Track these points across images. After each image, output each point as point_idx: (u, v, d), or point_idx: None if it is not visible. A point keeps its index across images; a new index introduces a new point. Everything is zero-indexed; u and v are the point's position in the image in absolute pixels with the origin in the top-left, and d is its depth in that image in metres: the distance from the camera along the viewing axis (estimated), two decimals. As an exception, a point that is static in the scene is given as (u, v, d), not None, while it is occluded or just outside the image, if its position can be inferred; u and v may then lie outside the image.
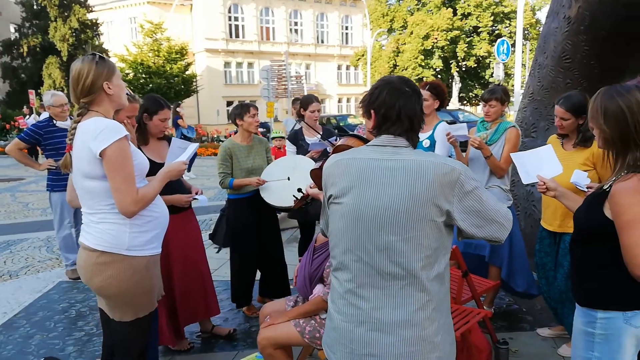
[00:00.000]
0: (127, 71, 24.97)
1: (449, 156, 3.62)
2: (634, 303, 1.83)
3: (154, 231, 2.20)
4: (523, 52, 25.07)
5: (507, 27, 31.76)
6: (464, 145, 3.74)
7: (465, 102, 34.76)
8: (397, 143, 1.59)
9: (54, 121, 4.86)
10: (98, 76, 2.06)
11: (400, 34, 32.97)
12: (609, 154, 1.90)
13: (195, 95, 30.44)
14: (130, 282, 2.11)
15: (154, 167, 2.56)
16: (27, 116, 17.25)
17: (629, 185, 1.74)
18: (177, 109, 12.53)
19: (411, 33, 31.28)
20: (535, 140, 4.67)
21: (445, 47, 30.93)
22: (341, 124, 20.44)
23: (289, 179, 3.71)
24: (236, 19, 37.47)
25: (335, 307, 1.63)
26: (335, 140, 3.46)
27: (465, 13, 31.69)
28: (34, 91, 21.39)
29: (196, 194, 3.32)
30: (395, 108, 1.59)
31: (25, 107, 20.15)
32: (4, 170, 14.34)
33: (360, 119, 21.54)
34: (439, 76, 30.70)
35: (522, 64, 21.76)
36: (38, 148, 5.90)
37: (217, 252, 5.32)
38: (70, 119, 4.97)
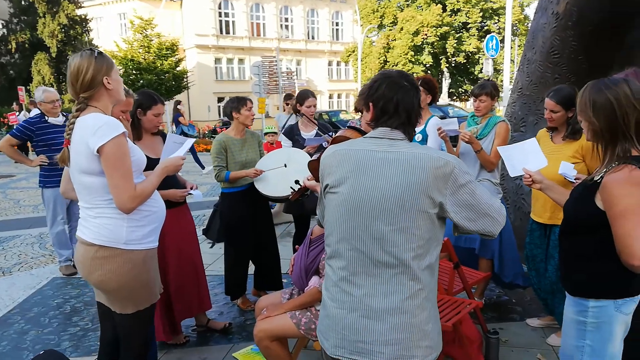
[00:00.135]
0: (117, 67, 24.72)
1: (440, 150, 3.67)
2: (624, 291, 1.88)
3: (151, 225, 2.22)
4: (512, 47, 25.24)
5: (495, 23, 31.90)
6: (454, 139, 3.80)
7: (455, 97, 34.91)
8: (393, 136, 1.63)
9: (46, 117, 4.85)
10: (98, 71, 2.07)
11: (390, 30, 32.99)
12: (598, 146, 1.93)
13: (186, 91, 30.27)
14: (129, 275, 2.13)
15: (148, 163, 2.58)
16: (18, 113, 17.10)
17: (621, 177, 1.77)
18: (178, 107, 12.46)
19: (401, 29, 31.32)
20: (525, 135, 4.74)
21: (435, 43, 31.03)
22: (333, 120, 20.44)
23: (285, 165, 3.73)
24: (226, 14, 37.25)
25: (329, 294, 1.67)
26: (331, 136, 3.49)
27: (455, 9, 31.79)
28: (23, 88, 21.18)
29: (191, 188, 3.34)
30: (393, 101, 1.62)
31: (14, 103, 19.95)
32: (-6, 167, 14.22)
33: (352, 115, 21.60)
34: (429, 72, 30.78)
35: (511, 60, 21.90)
36: (28, 145, 5.87)
37: (211, 247, 5.33)
38: (62, 115, 4.97)
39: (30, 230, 6.98)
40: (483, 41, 21.59)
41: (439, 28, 30.56)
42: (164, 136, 3.43)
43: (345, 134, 2.24)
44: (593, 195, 1.86)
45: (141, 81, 24.63)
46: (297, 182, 2.87)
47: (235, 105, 3.85)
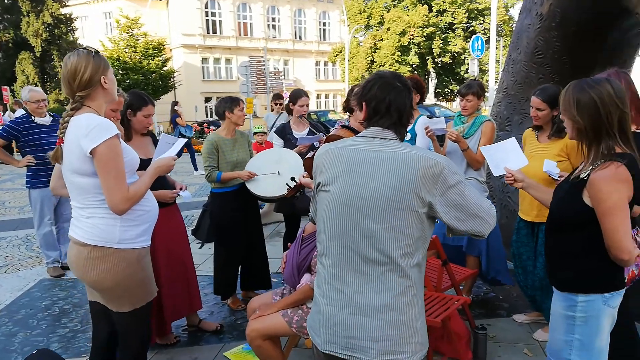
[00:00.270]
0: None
1: (428, 149, 3.72)
2: (612, 285, 1.93)
3: (144, 225, 2.23)
4: (497, 48, 25.44)
5: (481, 23, 32.18)
6: (441, 138, 3.85)
7: (441, 97, 35.15)
8: (385, 135, 1.66)
9: (32, 117, 4.81)
10: (95, 70, 2.07)
11: (377, 30, 33.11)
12: (582, 145, 1.97)
13: (173, 91, 30.09)
14: (123, 274, 2.14)
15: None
16: (2, 113, 16.85)
17: (607, 174, 1.81)
18: (176, 107, 12.33)
19: (388, 29, 31.46)
20: (510, 134, 4.82)
21: (422, 44, 31.22)
22: (322, 120, 20.47)
23: (279, 173, 3.75)
24: (213, 14, 37.08)
25: (320, 291, 1.70)
26: (325, 135, 3.52)
27: (441, 10, 32.01)
28: (8, 87, 20.87)
29: (180, 189, 3.34)
30: (386, 102, 1.65)
31: (-2, 103, 19.64)
32: (-23, 169, 14.00)
33: (341, 115, 21.64)
34: (416, 72, 30.95)
35: (496, 60, 22.13)
36: (13, 145, 5.78)
37: (200, 247, 5.33)
38: (49, 115, 4.93)
39: (17, 232, 6.90)
40: (469, 42, 21.83)
41: (425, 28, 30.76)
42: (153, 137, 3.43)
43: (338, 132, 2.28)
44: (580, 193, 1.89)
45: (127, 81, 24.42)
46: (293, 179, 2.89)
47: (228, 105, 3.86)
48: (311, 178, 2.49)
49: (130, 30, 26.65)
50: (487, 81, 18.31)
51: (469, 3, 31.94)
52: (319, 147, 2.54)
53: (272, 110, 8.19)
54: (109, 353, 2.39)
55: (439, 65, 33.30)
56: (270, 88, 14.82)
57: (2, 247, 6.18)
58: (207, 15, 36.74)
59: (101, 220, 2.11)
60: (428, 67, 32.53)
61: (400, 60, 31.28)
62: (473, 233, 1.64)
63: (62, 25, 26.33)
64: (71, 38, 26.93)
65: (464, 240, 3.84)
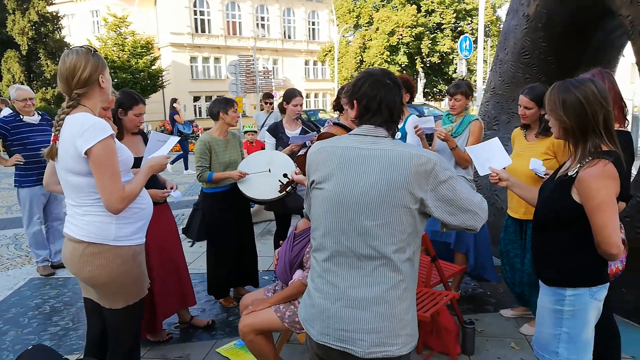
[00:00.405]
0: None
1: (418, 148, 3.77)
2: (598, 279, 1.99)
3: (139, 222, 2.25)
4: (485, 48, 25.70)
5: (469, 24, 32.46)
6: (430, 137, 3.91)
7: (430, 97, 35.37)
8: (377, 133, 1.69)
9: (21, 116, 4.79)
10: (94, 69, 2.09)
11: (366, 30, 33.25)
12: (569, 143, 2.01)
13: (161, 90, 29.90)
14: (119, 271, 2.16)
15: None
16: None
17: (596, 171, 1.85)
18: (174, 104, 12.25)
19: (377, 29, 31.60)
20: (498, 133, 4.90)
21: (410, 44, 31.40)
22: (312, 119, 20.50)
23: (270, 170, 3.77)
24: (202, 13, 36.93)
25: (314, 285, 1.73)
26: (316, 135, 3.55)
27: (429, 10, 32.24)
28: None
29: (171, 189, 3.35)
30: (377, 99, 1.68)
31: (-17, 103, 19.36)
32: (-38, 168, 13.83)
33: (331, 114, 21.68)
34: (405, 72, 31.10)
35: (484, 60, 22.31)
36: (-1, 144, 5.74)
37: (191, 246, 5.33)
38: (38, 114, 4.91)
39: (5, 231, 6.85)
40: (457, 42, 21.97)
41: (414, 28, 30.96)
42: (144, 135, 3.44)
43: (331, 130, 2.31)
44: (569, 190, 1.93)
45: (115, 80, 24.19)
46: (285, 175, 2.92)
47: (223, 106, 3.89)
48: (304, 175, 2.53)
49: (118, 28, 26.43)
50: (475, 81, 18.51)
51: (457, 3, 32.21)
52: (311, 145, 2.58)
53: (262, 110, 8.21)
54: (102, 349, 2.40)
55: (428, 65, 33.53)
56: (259, 87, 14.82)
57: (-9, 246, 6.13)
58: (195, 14, 36.58)
59: (97, 218, 2.13)
60: (417, 67, 32.74)
61: (389, 60, 31.44)
62: (465, 227, 1.67)
63: (48, 24, 25.98)
64: (58, 36, 26.56)
65: (451, 237, 3.90)
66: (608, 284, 2.04)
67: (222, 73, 36.46)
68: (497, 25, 32.05)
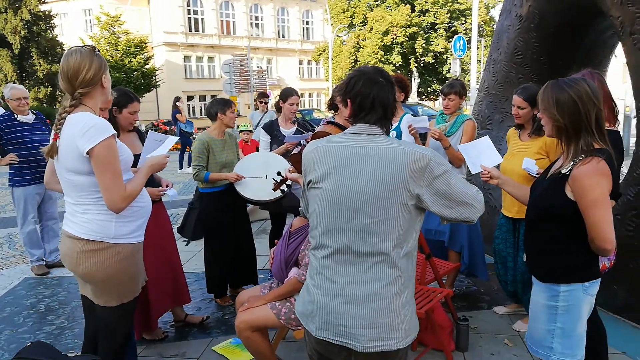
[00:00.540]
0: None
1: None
2: (591, 274, 2.03)
3: (139, 220, 2.27)
4: (478, 48, 25.83)
5: (462, 24, 32.55)
6: (424, 136, 3.95)
7: (424, 97, 35.47)
8: (372, 131, 1.71)
9: (15, 115, 4.78)
10: (98, 69, 2.11)
11: (360, 29, 33.27)
12: (561, 141, 2.04)
13: (155, 89, 29.81)
14: (117, 268, 2.17)
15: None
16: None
17: (590, 168, 1.89)
18: (177, 103, 12.16)
19: (371, 29, 31.63)
20: (491, 132, 4.95)
21: (404, 43, 31.45)
22: (307, 118, 20.53)
23: (267, 177, 3.79)
24: (195, 12, 36.85)
25: (313, 282, 1.76)
26: (311, 134, 3.57)
27: (423, 10, 32.29)
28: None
29: (166, 187, 3.36)
30: (370, 97, 1.70)
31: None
32: (-46, 168, 13.71)
33: (326, 113, 21.70)
34: (399, 71, 31.17)
35: (478, 60, 22.45)
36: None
37: (186, 245, 5.35)
38: (32, 113, 4.90)
39: (-2, 230, 6.83)
40: (451, 42, 22.07)
41: (408, 28, 31.00)
42: (139, 132, 3.46)
43: (325, 129, 2.33)
44: (563, 187, 1.97)
45: (109, 79, 24.11)
46: (279, 173, 2.94)
47: (221, 107, 3.91)
48: (298, 173, 2.55)
49: (111, 27, 26.33)
50: (468, 81, 18.58)
51: (450, 3, 32.29)
52: (306, 144, 2.60)
53: (257, 109, 8.23)
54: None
55: (422, 64, 33.61)
56: (254, 87, 14.82)
57: (-16, 246, 6.11)
58: (189, 13, 36.50)
59: (97, 216, 2.14)
60: (411, 66, 32.80)
61: (383, 59, 31.48)
62: (462, 219, 1.70)
63: (40, 22, 25.81)
64: (50, 35, 26.42)
65: (445, 235, 3.94)
66: (599, 279, 2.08)
67: (215, 72, 36.40)
68: (491, 25, 32.15)
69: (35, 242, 5.03)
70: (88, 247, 2.14)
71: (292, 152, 2.64)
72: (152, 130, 9.79)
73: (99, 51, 2.17)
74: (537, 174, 2.76)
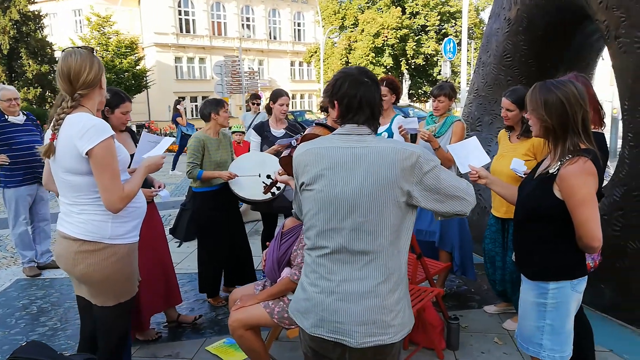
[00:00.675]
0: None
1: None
2: (579, 272, 2.08)
3: (135, 220, 2.29)
4: (468, 50, 26.00)
5: (453, 26, 32.78)
6: (413, 137, 3.99)
7: (414, 98, 35.65)
8: (360, 131, 1.74)
9: (6, 116, 4.76)
10: (98, 70, 2.13)
11: (351, 31, 33.39)
12: (549, 142, 2.09)
13: (146, 90, 29.66)
14: (113, 268, 2.19)
15: None
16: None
17: (577, 168, 1.93)
18: (178, 106, 12.05)
19: (362, 31, 31.76)
20: (481, 134, 5.01)
21: (395, 45, 31.61)
22: (299, 120, 20.54)
23: (260, 175, 3.81)
24: (186, 13, 36.73)
25: (308, 280, 1.79)
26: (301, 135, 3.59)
27: (414, 12, 32.48)
28: (-27, 86, 20.17)
29: (159, 187, 3.37)
30: (357, 98, 1.72)
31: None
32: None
33: (318, 115, 21.73)
34: (390, 73, 31.29)
35: (468, 62, 22.58)
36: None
37: (179, 246, 5.36)
38: (23, 114, 4.88)
39: (-11, 232, 6.78)
40: (441, 44, 22.19)
41: (399, 30, 31.17)
42: (131, 132, 3.47)
43: (314, 130, 2.35)
44: (551, 187, 2.01)
45: (99, 80, 23.96)
46: (268, 176, 2.96)
47: (214, 107, 3.94)
48: (288, 174, 2.57)
49: (101, 28, 26.18)
50: (458, 83, 18.73)
51: (441, 6, 32.53)
52: (296, 145, 2.63)
53: (249, 110, 8.24)
54: (95, 346, 2.42)
55: (413, 66, 33.78)
56: (245, 88, 14.83)
57: (-26, 248, 6.07)
58: (180, 14, 36.37)
59: (93, 217, 2.16)
60: (402, 68, 32.97)
61: (374, 61, 31.62)
62: (455, 212, 1.73)
63: (30, 23, 25.57)
64: (40, 36, 26.20)
65: (436, 235, 3.99)
66: (587, 276, 2.13)
67: (207, 73, 36.29)
68: (481, 28, 32.40)
69: (26, 244, 5.01)
70: (84, 248, 2.15)
71: (282, 155, 2.66)
72: (145, 131, 9.75)
73: (95, 52, 2.19)
74: (524, 175, 2.81)
